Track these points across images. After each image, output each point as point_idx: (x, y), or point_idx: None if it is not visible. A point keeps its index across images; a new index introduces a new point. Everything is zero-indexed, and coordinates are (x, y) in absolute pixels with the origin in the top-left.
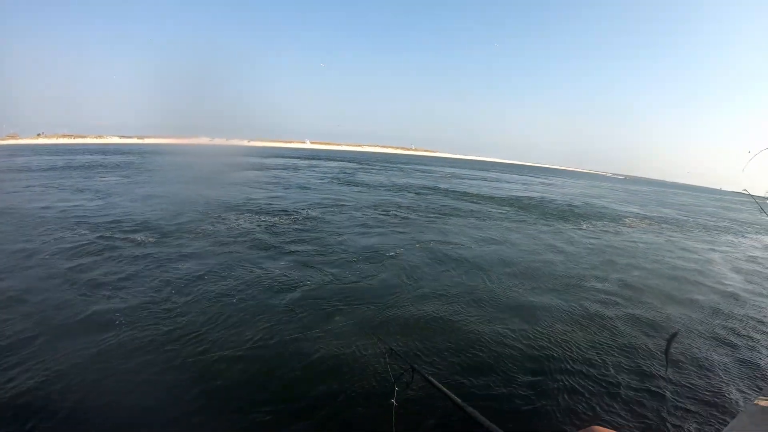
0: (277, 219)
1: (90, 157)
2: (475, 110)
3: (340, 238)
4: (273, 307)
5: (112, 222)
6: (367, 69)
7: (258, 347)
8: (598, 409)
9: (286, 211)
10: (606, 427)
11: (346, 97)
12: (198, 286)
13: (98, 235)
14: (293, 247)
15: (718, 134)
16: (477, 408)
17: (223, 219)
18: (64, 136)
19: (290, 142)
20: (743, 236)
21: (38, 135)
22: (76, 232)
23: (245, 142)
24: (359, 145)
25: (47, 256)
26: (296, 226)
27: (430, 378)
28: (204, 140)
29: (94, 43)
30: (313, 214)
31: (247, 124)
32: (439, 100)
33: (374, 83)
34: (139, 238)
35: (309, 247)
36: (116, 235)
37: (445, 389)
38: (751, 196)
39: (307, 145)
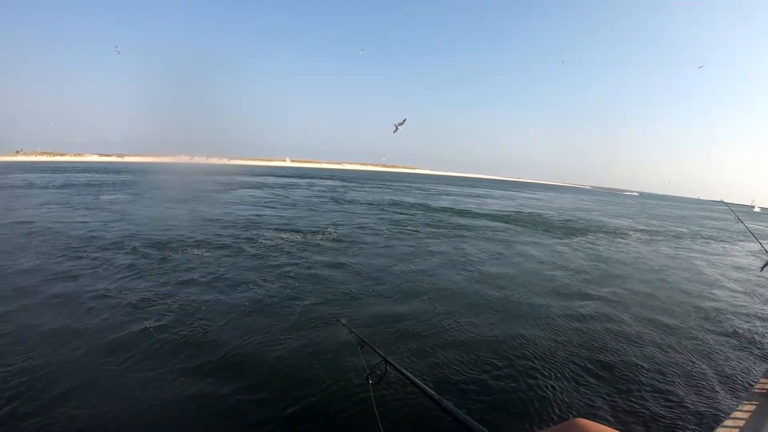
0: (311, 237)
1: (88, 175)
2: (458, 126)
3: (376, 250)
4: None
5: (140, 237)
6: (346, 82)
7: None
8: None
9: (313, 229)
10: (589, 420)
11: (324, 112)
12: (226, 300)
13: (135, 251)
14: (322, 259)
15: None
16: (452, 402)
17: (248, 238)
18: (43, 153)
19: (271, 160)
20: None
21: (17, 152)
22: (115, 249)
23: (225, 161)
24: (340, 163)
25: (94, 271)
26: (329, 243)
27: (404, 371)
28: (184, 158)
29: (65, 53)
30: (341, 231)
31: (226, 141)
32: (421, 114)
33: (354, 98)
34: (176, 253)
35: (335, 262)
36: (152, 253)
37: (419, 382)
38: (727, 205)
39: (288, 163)
